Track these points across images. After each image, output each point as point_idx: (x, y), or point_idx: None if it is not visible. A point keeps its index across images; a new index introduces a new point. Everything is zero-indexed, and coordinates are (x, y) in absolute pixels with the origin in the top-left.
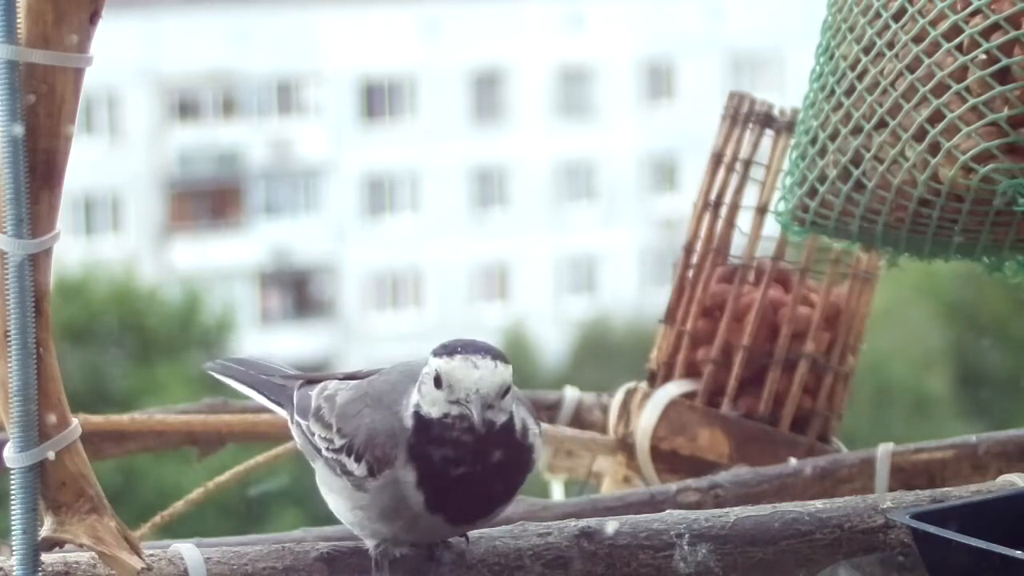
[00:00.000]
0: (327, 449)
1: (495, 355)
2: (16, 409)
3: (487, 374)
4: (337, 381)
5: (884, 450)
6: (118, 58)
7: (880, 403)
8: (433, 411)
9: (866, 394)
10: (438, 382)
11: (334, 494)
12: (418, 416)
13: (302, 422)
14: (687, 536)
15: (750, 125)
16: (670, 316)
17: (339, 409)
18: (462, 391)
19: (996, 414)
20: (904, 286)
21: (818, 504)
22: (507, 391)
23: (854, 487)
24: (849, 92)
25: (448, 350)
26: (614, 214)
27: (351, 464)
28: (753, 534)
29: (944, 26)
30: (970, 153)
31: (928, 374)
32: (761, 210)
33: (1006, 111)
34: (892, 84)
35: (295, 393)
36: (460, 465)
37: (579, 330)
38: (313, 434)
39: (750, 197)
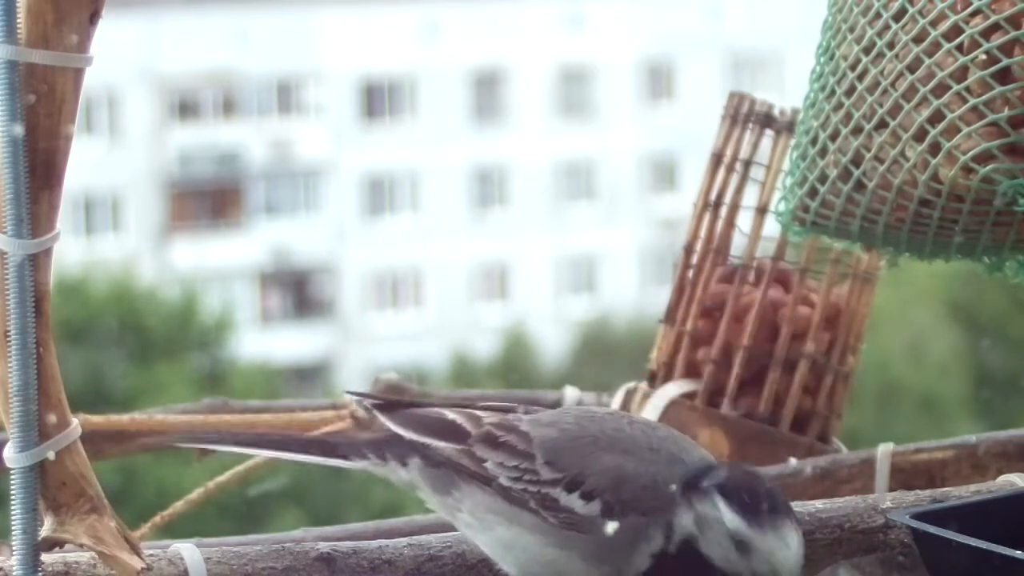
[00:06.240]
0: (518, 479)
1: (794, 519)
2: (16, 409)
3: (797, 554)
4: (495, 412)
5: (884, 450)
6: (118, 58)
7: (884, 403)
8: (725, 566)
9: (870, 394)
10: (742, 549)
11: (510, 525)
12: (690, 547)
13: (445, 445)
14: None
15: (750, 125)
16: (670, 316)
17: (549, 443)
18: (769, 570)
19: (999, 415)
20: (910, 287)
21: (818, 504)
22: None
23: (854, 487)
24: (849, 92)
25: (756, 517)
26: (614, 214)
27: (570, 500)
28: None
29: (944, 26)
30: (970, 153)
31: (933, 374)
32: (761, 210)
33: (1006, 111)
34: (892, 84)
35: (390, 415)
36: None
37: (579, 330)
38: (484, 460)
39: (750, 197)
